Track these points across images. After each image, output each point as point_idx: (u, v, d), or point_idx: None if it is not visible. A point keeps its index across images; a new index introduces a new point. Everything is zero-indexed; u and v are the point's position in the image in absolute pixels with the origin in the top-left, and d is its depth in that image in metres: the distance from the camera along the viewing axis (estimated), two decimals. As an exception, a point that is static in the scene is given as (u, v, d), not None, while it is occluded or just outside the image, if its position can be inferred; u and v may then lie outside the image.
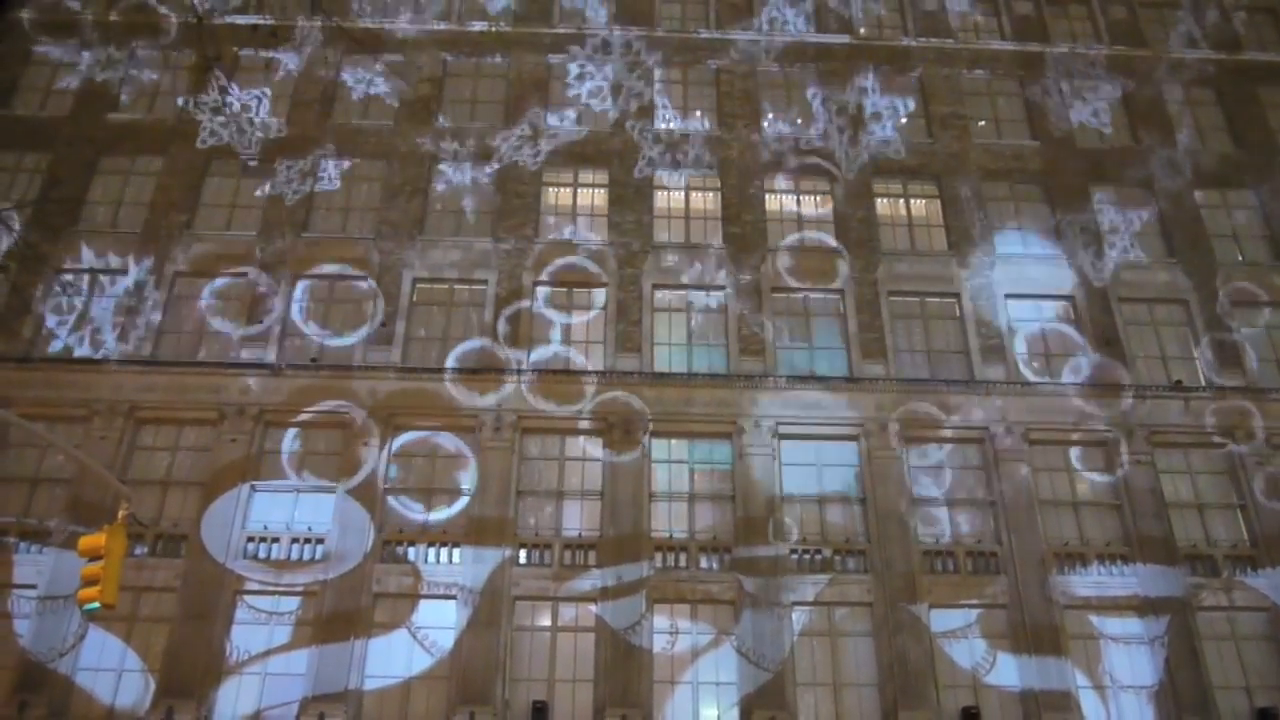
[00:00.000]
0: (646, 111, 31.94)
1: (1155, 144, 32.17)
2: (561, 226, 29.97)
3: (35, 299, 27.59)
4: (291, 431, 26.22)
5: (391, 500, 25.56)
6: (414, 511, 25.53)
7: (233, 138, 30.16)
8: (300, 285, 28.45)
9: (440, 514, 25.50)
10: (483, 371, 26.90)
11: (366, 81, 31.93)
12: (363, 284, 28.42)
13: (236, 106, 30.71)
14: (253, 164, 29.95)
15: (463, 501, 25.52)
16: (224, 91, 30.45)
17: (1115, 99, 33.22)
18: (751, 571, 24.71)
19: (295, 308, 28.13)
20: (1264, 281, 29.90)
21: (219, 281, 28.52)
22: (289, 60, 32.30)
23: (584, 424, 26.48)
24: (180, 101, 31.17)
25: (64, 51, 32.60)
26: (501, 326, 27.87)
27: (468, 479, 25.81)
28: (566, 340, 28.03)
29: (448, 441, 26.26)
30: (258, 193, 29.60)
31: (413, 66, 32.38)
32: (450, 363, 27.26)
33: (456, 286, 28.69)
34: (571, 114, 32.04)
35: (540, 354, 27.70)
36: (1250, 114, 33.17)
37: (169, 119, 31.18)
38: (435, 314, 28.32)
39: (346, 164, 30.24)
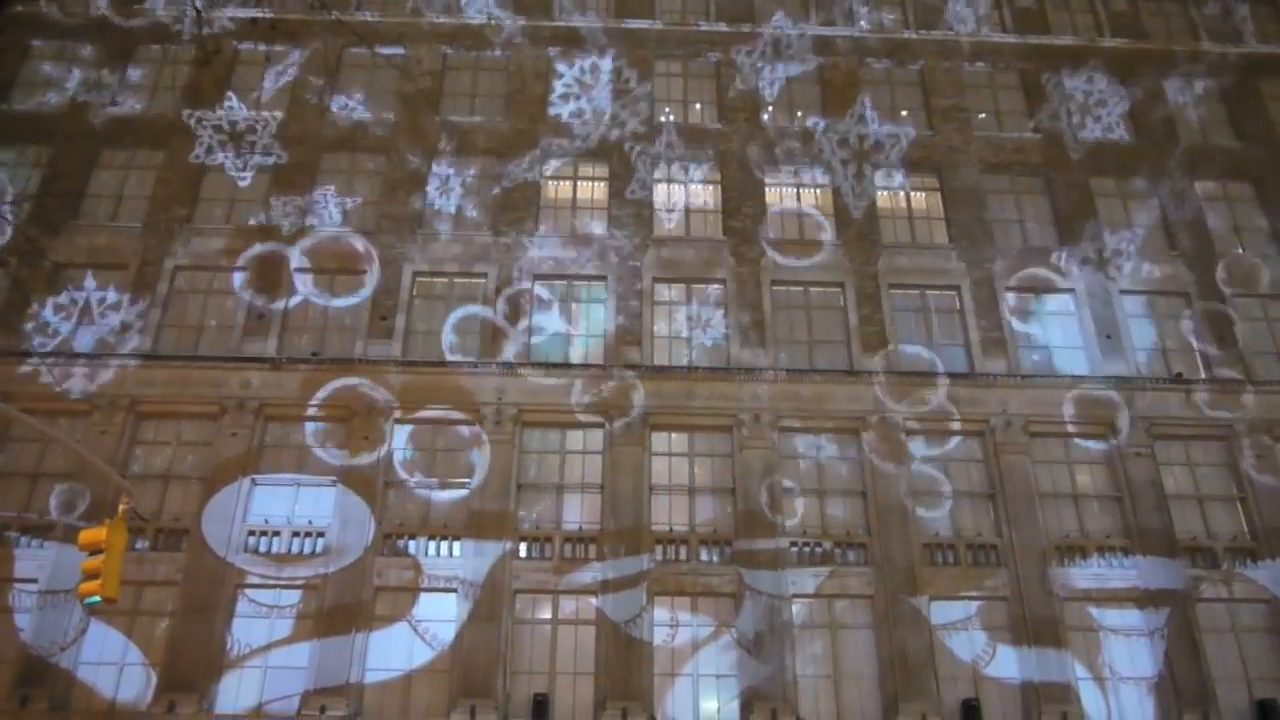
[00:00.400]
0: (646, 105, 31.90)
1: (1156, 136, 32.14)
2: (561, 220, 29.97)
3: (36, 293, 27.57)
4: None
5: (393, 492, 25.61)
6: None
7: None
8: (302, 278, 28.44)
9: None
10: (483, 365, 26.92)
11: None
12: (365, 278, 28.45)
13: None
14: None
15: (464, 493, 25.55)
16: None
17: (1116, 91, 33.16)
18: (752, 564, 24.73)
19: (296, 301, 28.14)
20: (1264, 273, 29.87)
21: (219, 275, 28.53)
22: (289, 54, 32.27)
23: (584, 417, 26.49)
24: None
25: (64, 45, 32.57)
26: (500, 321, 27.86)
27: (472, 466, 25.76)
28: (567, 333, 28.04)
29: (450, 433, 26.29)
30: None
31: (413, 60, 32.35)
32: (446, 340, 27.45)
33: (456, 280, 28.69)
34: (571, 108, 31.99)
35: (541, 347, 27.71)
36: (1252, 106, 33.12)
37: (169, 113, 31.14)
38: (436, 307, 28.31)
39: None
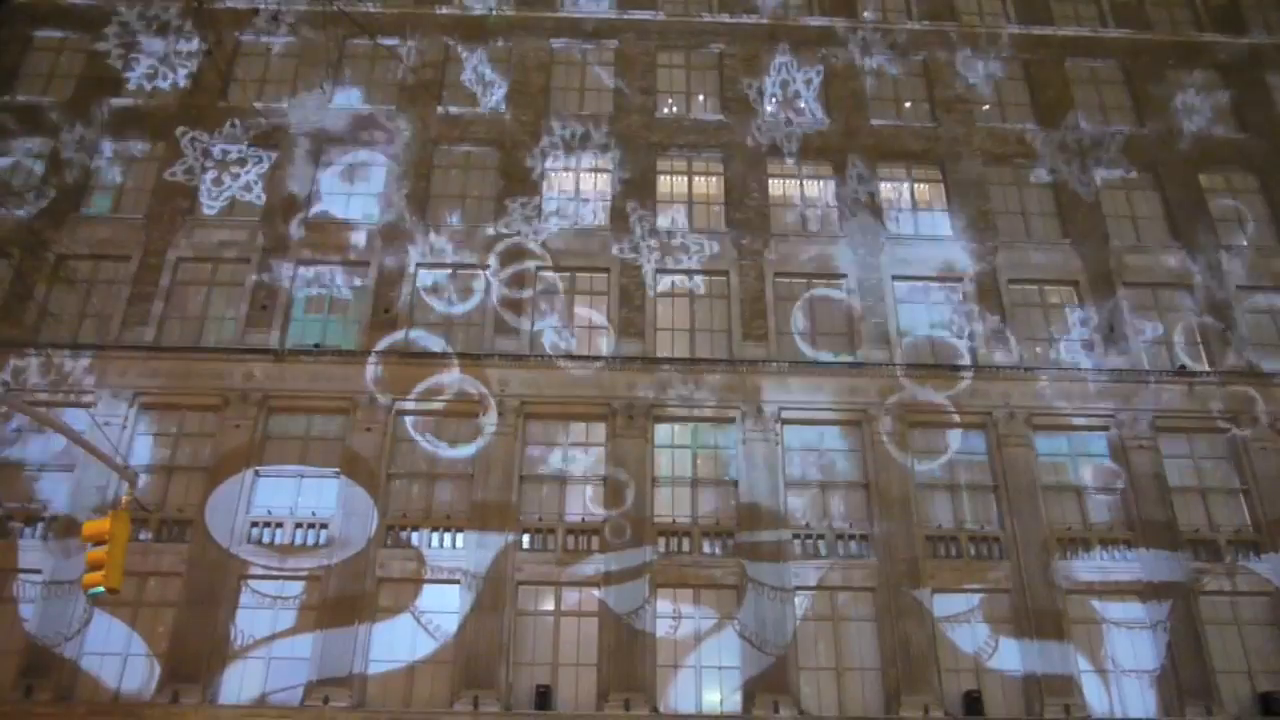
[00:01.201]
0: (649, 95, 31.87)
1: (1159, 127, 32.04)
2: (564, 211, 29.92)
3: (38, 284, 27.57)
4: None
5: (399, 482, 25.65)
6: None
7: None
8: (303, 270, 28.45)
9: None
10: (485, 357, 26.91)
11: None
12: (368, 270, 28.45)
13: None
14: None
15: (467, 485, 25.58)
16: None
17: (1119, 82, 33.10)
18: (754, 556, 24.74)
19: (298, 293, 28.15)
20: (1268, 266, 29.82)
21: (221, 267, 28.52)
22: (291, 44, 32.27)
23: (587, 409, 26.48)
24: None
25: (66, 36, 32.54)
26: (502, 312, 27.85)
27: (471, 459, 25.85)
28: (569, 325, 28.02)
29: (452, 426, 26.29)
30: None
31: (415, 51, 32.27)
32: (450, 331, 27.49)
33: (459, 272, 28.65)
34: (574, 98, 31.97)
35: (543, 339, 27.69)
36: (1256, 97, 33.01)
37: (171, 104, 31.12)
38: (439, 300, 28.27)
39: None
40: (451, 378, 26.55)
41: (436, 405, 26.38)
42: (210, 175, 29.78)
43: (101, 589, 15.94)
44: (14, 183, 29.48)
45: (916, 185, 30.94)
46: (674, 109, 32.06)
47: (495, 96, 31.76)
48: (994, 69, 33.05)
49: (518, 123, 31.11)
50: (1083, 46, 33.63)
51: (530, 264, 28.64)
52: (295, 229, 28.89)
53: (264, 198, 29.53)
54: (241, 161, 30.10)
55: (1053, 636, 24.08)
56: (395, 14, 32.59)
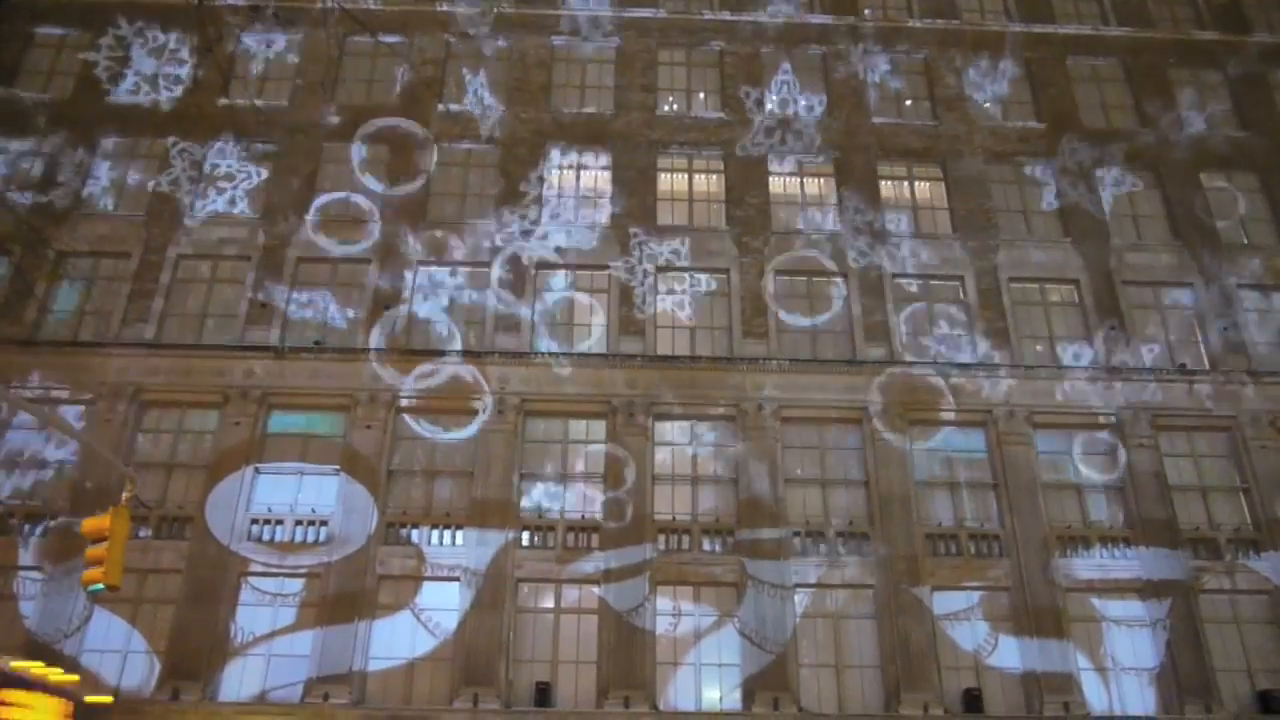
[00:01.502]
0: (649, 93, 31.85)
1: (1161, 126, 32.01)
2: (564, 209, 29.91)
3: (38, 281, 27.58)
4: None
5: (399, 479, 25.66)
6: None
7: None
8: (304, 268, 28.44)
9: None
10: (485, 354, 26.92)
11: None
12: (368, 267, 28.44)
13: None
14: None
15: (467, 482, 25.59)
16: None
17: (1120, 80, 33.08)
18: (754, 554, 24.76)
19: (299, 290, 28.13)
20: (1268, 265, 29.81)
21: (222, 264, 28.52)
22: (291, 42, 32.25)
23: (587, 406, 26.49)
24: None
25: (67, 33, 32.52)
26: (503, 309, 27.86)
27: (472, 456, 25.90)
28: (569, 323, 28.02)
29: (452, 421, 26.29)
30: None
31: (415, 48, 32.26)
32: (450, 328, 27.43)
33: (461, 269, 28.64)
34: (574, 96, 31.97)
35: (543, 337, 27.69)
36: (1257, 96, 32.99)
37: (171, 101, 31.09)
38: (439, 297, 28.26)
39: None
40: (451, 372, 26.55)
41: (436, 399, 26.36)
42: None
43: (101, 586, 15.89)
44: (14, 179, 29.48)
45: (917, 183, 30.93)
46: (674, 107, 32.05)
47: (495, 97, 31.69)
48: (995, 67, 33.02)
49: (518, 120, 31.10)
50: (1084, 45, 33.63)
51: (530, 261, 28.64)
52: (295, 226, 28.89)
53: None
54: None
55: (1052, 634, 24.11)
56: (396, 12, 32.57)
